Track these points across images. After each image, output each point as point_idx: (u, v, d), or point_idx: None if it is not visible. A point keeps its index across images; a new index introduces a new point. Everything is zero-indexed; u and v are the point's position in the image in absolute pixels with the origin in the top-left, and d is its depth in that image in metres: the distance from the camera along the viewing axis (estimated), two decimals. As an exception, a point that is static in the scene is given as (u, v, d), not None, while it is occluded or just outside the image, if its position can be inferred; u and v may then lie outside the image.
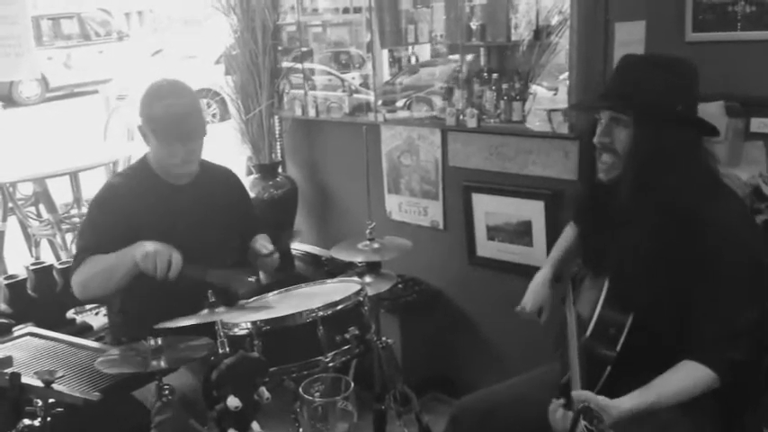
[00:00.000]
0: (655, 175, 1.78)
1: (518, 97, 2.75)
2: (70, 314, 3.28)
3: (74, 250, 2.81)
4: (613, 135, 1.83)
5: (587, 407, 1.58)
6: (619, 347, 1.76)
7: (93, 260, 2.31)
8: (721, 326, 1.72)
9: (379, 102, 3.25)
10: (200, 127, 2.43)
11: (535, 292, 2.16)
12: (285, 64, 3.65)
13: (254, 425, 1.72)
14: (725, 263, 1.72)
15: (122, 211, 2.37)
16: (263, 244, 2.53)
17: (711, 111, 2.33)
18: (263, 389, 1.78)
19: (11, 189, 4.35)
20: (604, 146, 1.86)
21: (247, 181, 3.72)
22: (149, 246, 2.20)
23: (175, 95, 2.38)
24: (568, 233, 2.27)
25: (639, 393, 1.69)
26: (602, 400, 1.63)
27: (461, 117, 2.89)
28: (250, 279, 2.26)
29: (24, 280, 3.14)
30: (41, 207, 4.39)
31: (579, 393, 1.65)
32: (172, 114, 2.33)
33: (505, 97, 2.78)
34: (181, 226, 2.38)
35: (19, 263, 3.47)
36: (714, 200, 1.78)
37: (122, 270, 2.26)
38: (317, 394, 1.71)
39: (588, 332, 1.81)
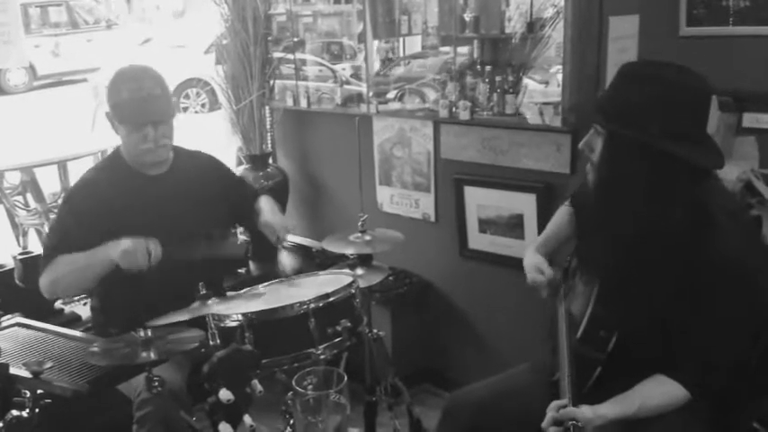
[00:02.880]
0: (615, 199, 1.72)
1: (511, 90, 2.75)
2: (58, 304, 3.26)
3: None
4: (593, 144, 1.77)
5: (576, 425, 1.60)
6: (609, 349, 1.75)
7: (62, 260, 2.25)
8: (704, 357, 1.70)
9: (371, 93, 3.23)
10: (169, 108, 2.36)
11: (529, 261, 2.09)
12: (276, 54, 3.62)
13: (247, 418, 1.72)
14: (717, 300, 1.66)
15: (98, 206, 2.29)
16: (280, 226, 2.47)
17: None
18: (255, 382, 1.78)
19: (-2, 178, 4.31)
20: (583, 152, 1.84)
21: (237, 171, 3.70)
22: (124, 243, 2.14)
23: (141, 78, 2.31)
24: (560, 215, 2.21)
25: (622, 404, 1.68)
26: (587, 413, 1.63)
27: (454, 109, 2.88)
28: (241, 241, 2.22)
29: (12, 270, 3.11)
30: (29, 196, 4.34)
31: (567, 411, 1.64)
32: (138, 97, 2.27)
33: (498, 90, 2.77)
34: (159, 218, 2.31)
35: (6, 252, 3.43)
36: (706, 238, 1.66)
37: (97, 270, 2.21)
38: (310, 387, 1.70)
39: (579, 333, 1.80)
